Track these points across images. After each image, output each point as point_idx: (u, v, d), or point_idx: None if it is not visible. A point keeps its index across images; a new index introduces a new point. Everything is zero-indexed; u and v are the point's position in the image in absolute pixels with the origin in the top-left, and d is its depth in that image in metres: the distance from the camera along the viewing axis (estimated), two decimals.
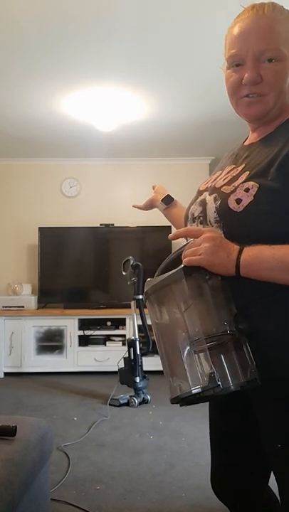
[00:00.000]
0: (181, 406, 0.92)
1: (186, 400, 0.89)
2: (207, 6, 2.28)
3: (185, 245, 0.93)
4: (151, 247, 4.88)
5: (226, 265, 0.88)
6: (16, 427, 1.44)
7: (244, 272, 0.88)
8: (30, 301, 4.61)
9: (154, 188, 1.47)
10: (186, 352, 0.88)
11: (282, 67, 0.94)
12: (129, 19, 2.39)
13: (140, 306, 3.53)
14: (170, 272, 0.92)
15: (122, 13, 2.33)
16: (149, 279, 0.96)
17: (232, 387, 0.87)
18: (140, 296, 3.54)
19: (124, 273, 3.61)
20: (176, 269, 0.90)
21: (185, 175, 5.08)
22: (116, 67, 2.92)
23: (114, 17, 2.37)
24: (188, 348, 0.87)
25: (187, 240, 0.96)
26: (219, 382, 0.84)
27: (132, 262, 3.56)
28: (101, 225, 4.89)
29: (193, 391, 0.86)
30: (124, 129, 4.06)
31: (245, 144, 1.09)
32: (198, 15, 2.36)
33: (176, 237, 0.98)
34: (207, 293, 0.90)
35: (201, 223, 1.01)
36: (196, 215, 1.04)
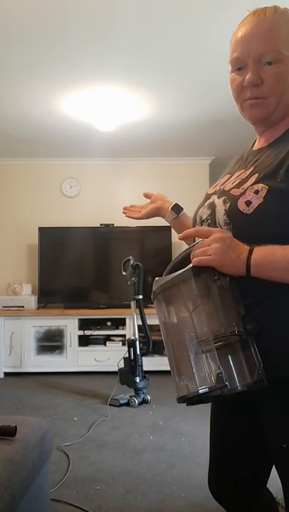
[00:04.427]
0: (187, 405, 0.92)
1: (193, 400, 0.89)
2: (207, 6, 2.28)
3: (194, 245, 0.93)
4: (151, 247, 4.88)
5: (236, 265, 0.88)
6: (16, 427, 1.44)
7: (254, 272, 0.88)
8: (30, 301, 4.61)
9: (148, 197, 1.38)
10: (193, 352, 0.88)
11: (283, 69, 0.95)
12: (129, 19, 2.39)
13: (140, 306, 3.52)
14: (178, 272, 0.91)
15: (122, 12, 2.33)
16: (157, 278, 0.96)
17: (239, 388, 0.87)
18: (140, 296, 3.53)
19: (124, 273, 3.61)
20: (185, 269, 0.90)
21: (185, 175, 5.08)
22: (116, 66, 2.92)
23: (114, 16, 2.36)
24: (195, 348, 0.87)
25: (195, 241, 0.96)
26: (227, 383, 0.84)
27: (132, 262, 3.56)
28: (101, 225, 4.89)
29: (200, 391, 0.86)
30: (124, 129, 4.06)
31: (253, 148, 1.09)
32: (198, 15, 2.36)
33: (186, 237, 0.97)
34: (215, 293, 0.89)
35: (209, 226, 1.01)
36: (204, 217, 1.04)
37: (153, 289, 0.96)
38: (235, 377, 0.88)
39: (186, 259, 0.93)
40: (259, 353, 0.90)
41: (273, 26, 0.95)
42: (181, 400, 0.90)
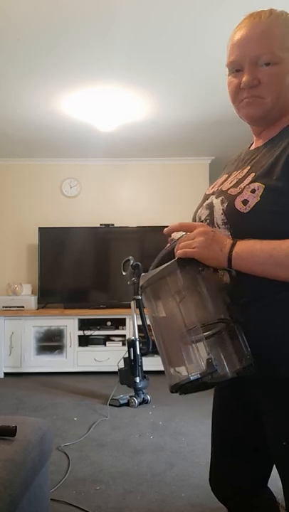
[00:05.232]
0: (180, 394, 0.94)
1: (185, 388, 0.91)
2: (207, 7, 2.28)
3: (177, 240, 0.96)
4: (151, 247, 4.87)
5: (219, 258, 0.91)
6: (16, 427, 1.44)
7: (235, 265, 0.90)
8: (30, 301, 4.61)
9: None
10: (183, 341, 0.90)
11: (278, 70, 0.97)
12: (129, 19, 2.39)
13: (140, 306, 3.52)
14: (164, 265, 0.95)
15: (122, 13, 2.33)
16: (143, 274, 0.99)
17: (229, 374, 0.90)
18: (140, 296, 3.53)
19: (124, 273, 3.61)
20: (171, 262, 0.93)
21: (185, 175, 5.08)
22: (116, 67, 2.92)
23: (114, 17, 2.37)
24: (185, 337, 0.90)
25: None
26: (216, 368, 0.87)
27: (131, 262, 3.56)
28: (101, 225, 4.89)
29: (191, 377, 0.88)
30: (124, 129, 4.06)
31: (250, 148, 1.11)
32: (198, 15, 2.36)
33: (170, 231, 1.00)
34: (201, 284, 0.93)
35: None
36: (202, 218, 1.06)
37: (140, 284, 0.99)
38: (224, 364, 0.91)
39: (170, 254, 0.97)
40: (258, 352, 0.91)
41: (268, 29, 0.97)
42: (174, 388, 0.93)
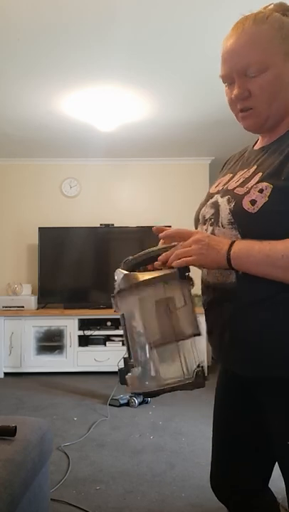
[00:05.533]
0: (144, 397, 0.97)
1: (150, 394, 0.96)
2: (207, 7, 2.28)
3: (163, 248, 0.98)
4: (151, 247, 4.87)
5: (218, 259, 0.92)
6: (15, 427, 1.44)
7: (234, 264, 0.91)
8: (30, 301, 4.61)
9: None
10: (161, 349, 0.94)
11: (268, 78, 0.96)
12: (129, 19, 2.39)
13: None
14: (162, 272, 0.95)
15: (122, 12, 2.33)
16: (126, 273, 0.97)
17: (170, 386, 0.93)
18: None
19: None
20: (171, 271, 0.94)
21: (185, 175, 5.08)
22: (116, 67, 2.91)
23: (114, 17, 2.36)
24: (164, 346, 0.93)
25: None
26: (190, 380, 0.90)
27: None
28: (101, 225, 4.89)
29: (165, 387, 0.92)
30: (124, 129, 4.06)
31: (255, 148, 1.11)
32: (198, 15, 2.36)
33: (166, 237, 1.01)
34: (190, 296, 0.95)
35: (211, 225, 1.02)
36: (207, 217, 1.05)
37: (122, 286, 0.96)
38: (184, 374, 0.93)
39: (151, 258, 0.99)
40: (259, 353, 0.92)
41: (252, 38, 0.95)
42: (145, 394, 0.97)
